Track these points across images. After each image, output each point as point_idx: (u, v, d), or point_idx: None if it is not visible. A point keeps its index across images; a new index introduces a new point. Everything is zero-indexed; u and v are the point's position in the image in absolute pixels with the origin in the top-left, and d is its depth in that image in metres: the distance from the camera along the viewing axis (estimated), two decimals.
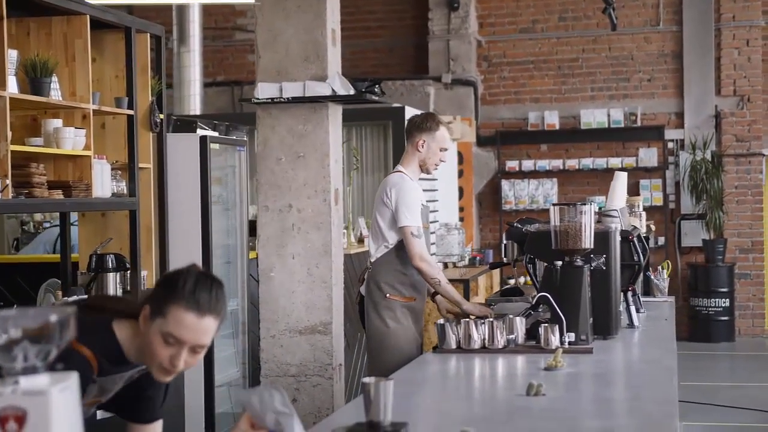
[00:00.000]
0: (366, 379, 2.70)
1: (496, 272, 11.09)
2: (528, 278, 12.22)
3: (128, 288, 5.54)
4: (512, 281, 12.22)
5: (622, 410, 3.12)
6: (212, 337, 2.63)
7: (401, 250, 5.17)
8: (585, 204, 4.38)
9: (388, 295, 5.20)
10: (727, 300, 12.21)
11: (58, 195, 4.90)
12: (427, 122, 5.30)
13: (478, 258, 10.77)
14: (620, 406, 3.22)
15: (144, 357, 2.66)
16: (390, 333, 5.18)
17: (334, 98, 5.86)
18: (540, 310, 4.45)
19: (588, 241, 4.35)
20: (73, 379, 1.74)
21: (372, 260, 5.31)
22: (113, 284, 5.34)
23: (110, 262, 5.35)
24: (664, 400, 3.14)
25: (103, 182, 5.23)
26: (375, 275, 5.26)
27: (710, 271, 12.24)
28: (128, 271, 5.51)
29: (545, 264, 4.52)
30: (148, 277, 5.80)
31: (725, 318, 12.23)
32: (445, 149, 5.33)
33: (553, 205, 4.42)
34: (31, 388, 1.69)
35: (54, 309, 1.77)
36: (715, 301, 12.19)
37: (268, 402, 2.52)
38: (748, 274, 12.56)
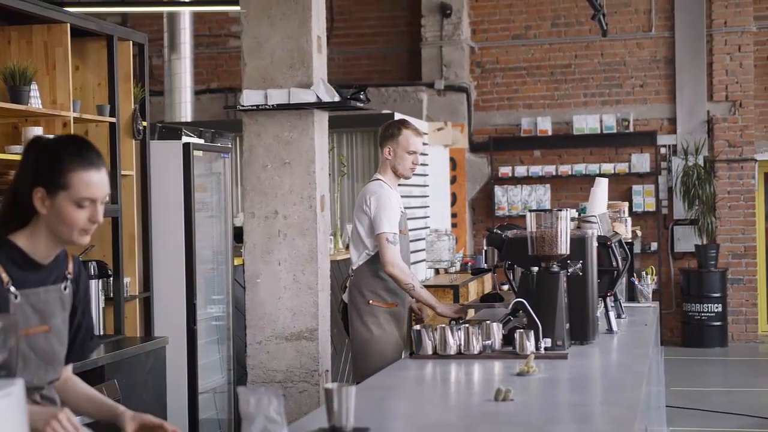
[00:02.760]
0: (328, 385, 2.73)
1: (488, 278, 11.09)
2: None
3: (111, 295, 5.56)
4: (506, 287, 12.22)
5: (585, 415, 3.13)
6: None
7: None
8: (561, 210, 4.39)
9: (370, 301, 5.24)
10: (720, 305, 12.22)
11: None
12: (389, 129, 5.38)
13: (470, 264, 10.77)
14: (584, 411, 3.23)
15: (55, 238, 2.71)
16: (374, 339, 5.22)
17: (320, 105, 5.88)
18: (518, 315, 4.45)
19: (564, 247, 4.36)
20: (17, 386, 1.76)
21: (354, 267, 5.36)
22: (95, 291, 5.35)
23: (92, 269, 5.36)
24: (627, 404, 3.15)
25: None
26: (357, 282, 5.31)
27: (703, 276, 12.24)
28: (111, 278, 5.53)
29: (522, 270, 4.53)
30: (131, 284, 5.81)
31: (718, 323, 12.24)
32: (413, 152, 5.34)
33: (530, 211, 4.43)
34: None
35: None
36: (708, 307, 12.20)
37: (264, 406, 2.53)
38: (740, 279, 12.57)
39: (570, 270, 4.44)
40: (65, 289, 2.82)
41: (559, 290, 4.33)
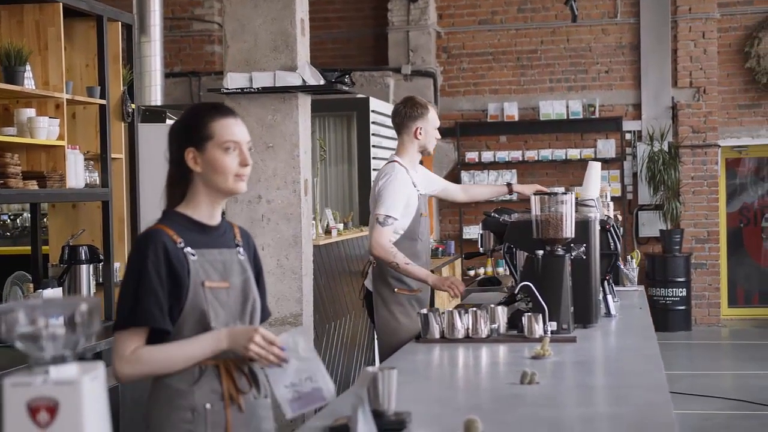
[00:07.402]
0: (370, 368, 2.70)
1: (458, 263, 11.13)
2: (491, 268, 12.26)
3: (101, 280, 5.47)
4: (472, 272, 12.27)
5: (619, 398, 3.12)
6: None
7: (405, 242, 5.10)
8: (566, 193, 4.40)
9: (396, 289, 5.12)
10: (684, 289, 12.36)
11: (32, 185, 4.82)
12: (418, 109, 5.27)
13: (440, 249, 10.80)
14: (614, 393, 3.23)
15: (214, 193, 2.84)
16: (401, 328, 5.09)
17: (305, 88, 5.83)
18: (519, 299, 4.44)
19: (569, 231, 4.37)
20: (100, 369, 1.71)
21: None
22: (86, 276, 5.27)
23: (83, 253, 5.27)
24: (656, 387, 3.17)
25: (77, 173, 5.16)
26: (382, 269, 5.14)
27: (667, 261, 12.37)
28: (101, 263, 5.44)
29: (526, 253, 4.52)
30: (122, 268, 5.72)
31: (682, 307, 12.39)
32: (438, 125, 5.37)
33: (534, 194, 4.43)
34: (62, 377, 1.67)
35: (83, 298, 1.74)
36: (672, 291, 12.33)
37: (291, 348, 2.52)
38: (704, 263, 12.71)
39: (574, 253, 4.44)
40: (240, 254, 2.91)
41: (565, 273, 4.33)
